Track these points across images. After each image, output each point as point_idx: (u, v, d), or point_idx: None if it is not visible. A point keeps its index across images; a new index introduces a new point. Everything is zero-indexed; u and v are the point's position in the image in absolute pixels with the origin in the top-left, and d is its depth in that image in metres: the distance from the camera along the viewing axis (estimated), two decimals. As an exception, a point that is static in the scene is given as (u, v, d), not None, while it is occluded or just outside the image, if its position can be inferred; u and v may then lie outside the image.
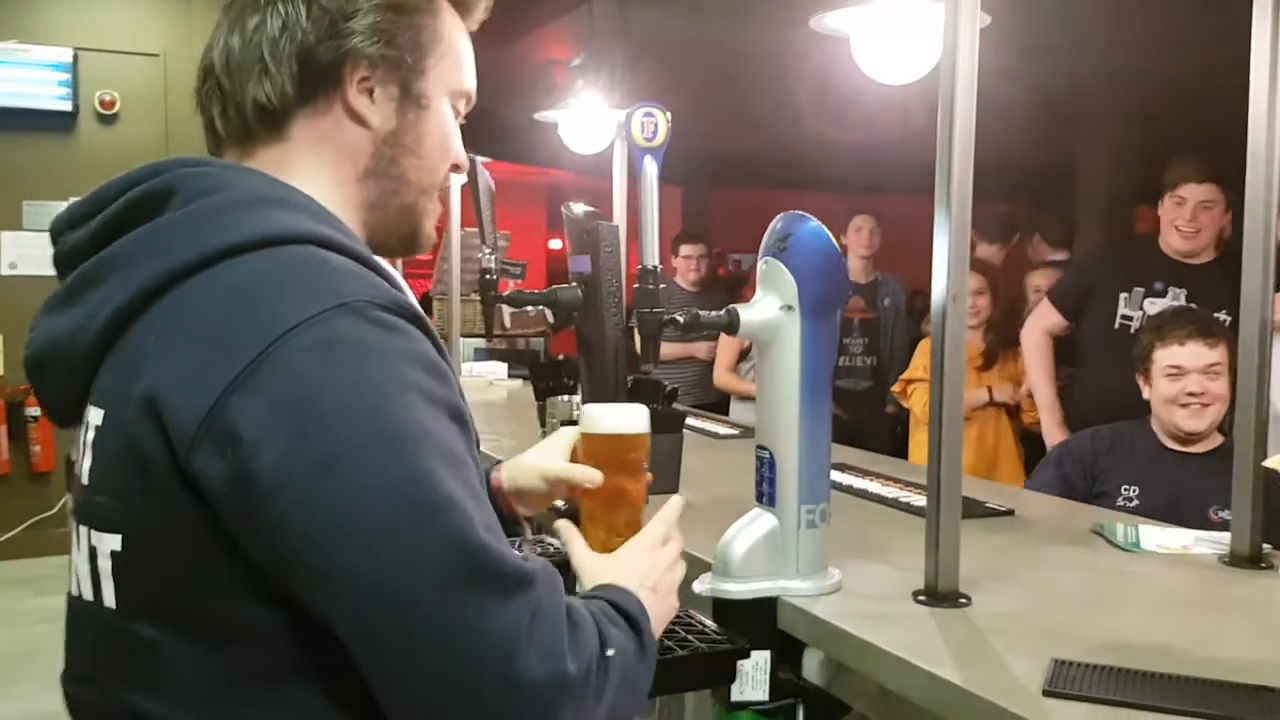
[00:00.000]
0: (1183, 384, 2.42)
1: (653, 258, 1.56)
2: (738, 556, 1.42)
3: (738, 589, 1.42)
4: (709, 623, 1.44)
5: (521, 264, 3.97)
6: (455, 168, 1.07)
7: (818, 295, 1.40)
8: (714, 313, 1.45)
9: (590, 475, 1.20)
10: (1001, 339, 3.86)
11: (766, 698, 1.41)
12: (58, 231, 0.98)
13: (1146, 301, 3.27)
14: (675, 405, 2.20)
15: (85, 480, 0.93)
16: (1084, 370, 3.51)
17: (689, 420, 2.81)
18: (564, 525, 1.17)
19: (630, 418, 1.24)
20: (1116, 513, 2.06)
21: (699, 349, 4.91)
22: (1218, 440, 2.46)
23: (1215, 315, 2.83)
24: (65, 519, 5.00)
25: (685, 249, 5.13)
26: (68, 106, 5.30)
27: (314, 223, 0.92)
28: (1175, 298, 3.24)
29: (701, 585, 1.44)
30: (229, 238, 0.88)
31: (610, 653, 0.92)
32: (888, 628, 1.32)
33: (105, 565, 0.89)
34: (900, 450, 4.09)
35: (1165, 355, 2.46)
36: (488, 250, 2.10)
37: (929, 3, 1.89)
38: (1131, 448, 2.51)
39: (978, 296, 3.82)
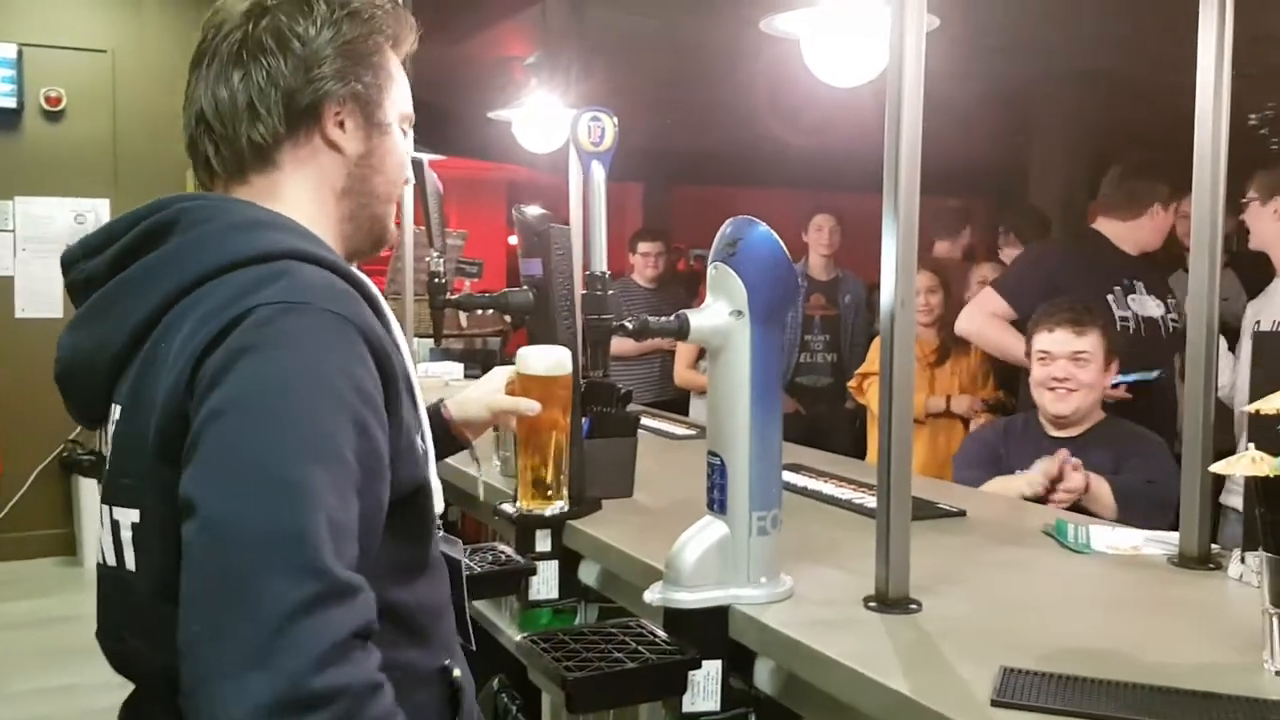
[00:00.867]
0: (1050, 369, 2.53)
1: (601, 263, 1.54)
2: (689, 565, 1.41)
3: (689, 598, 1.40)
4: (660, 633, 1.43)
5: (478, 263, 3.90)
6: (405, 181, 1.26)
7: (767, 301, 1.39)
8: (664, 319, 1.44)
9: (531, 405, 1.63)
10: (954, 335, 3.87)
11: (718, 708, 1.40)
12: (71, 260, 1.14)
13: (1130, 299, 3.10)
14: (630, 407, 2.18)
15: (109, 466, 1.09)
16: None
17: (645, 421, 2.79)
18: None
19: (560, 360, 1.67)
20: (1067, 513, 2.07)
21: (662, 340, 4.88)
22: (1095, 419, 2.54)
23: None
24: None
25: (643, 246, 5.12)
26: (12, 103, 5.20)
27: (299, 240, 1.08)
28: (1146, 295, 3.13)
29: (652, 595, 1.43)
30: (227, 256, 1.04)
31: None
32: (838, 636, 1.31)
33: (127, 535, 1.04)
34: (860, 445, 4.11)
35: (1037, 340, 2.60)
36: (436, 253, 2.06)
37: (878, 5, 1.89)
38: (1024, 434, 2.62)
39: (930, 294, 3.82)
